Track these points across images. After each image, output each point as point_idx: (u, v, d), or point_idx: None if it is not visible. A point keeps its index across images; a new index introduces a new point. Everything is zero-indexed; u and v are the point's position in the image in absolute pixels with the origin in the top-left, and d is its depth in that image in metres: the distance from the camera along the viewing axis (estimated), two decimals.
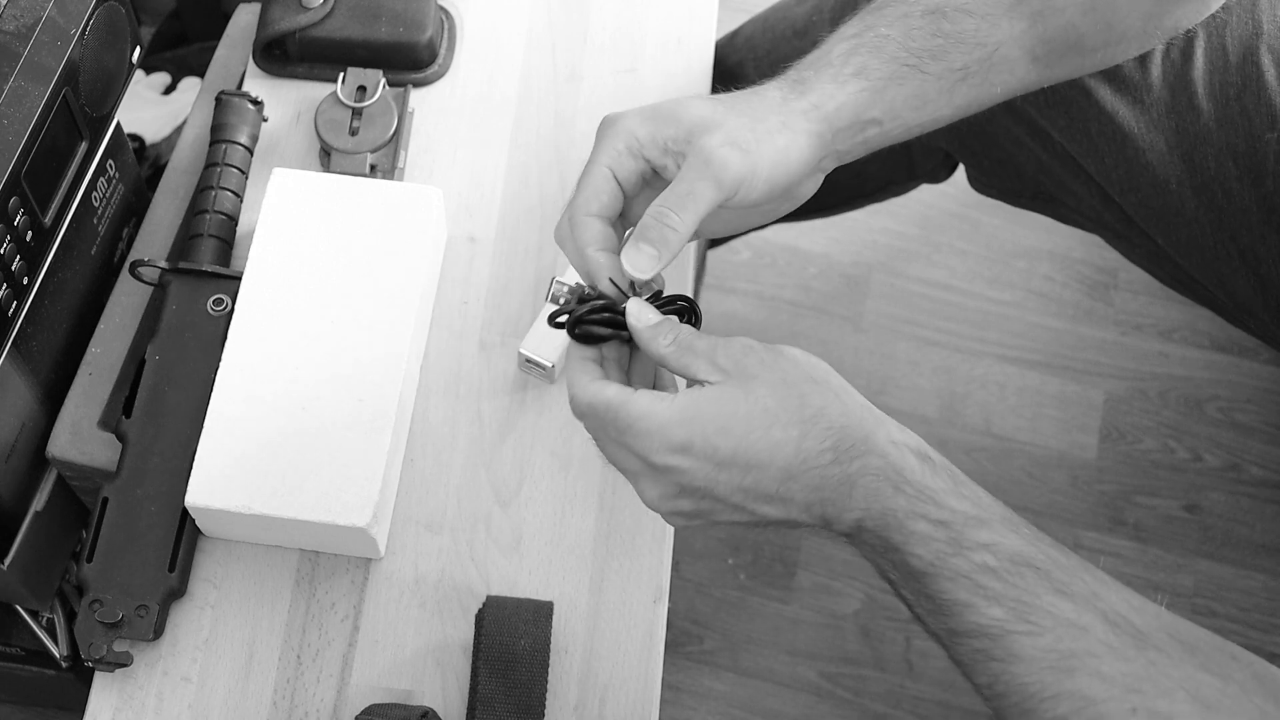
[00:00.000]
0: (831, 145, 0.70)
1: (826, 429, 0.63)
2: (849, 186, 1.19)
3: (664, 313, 0.68)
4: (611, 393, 0.65)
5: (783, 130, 0.68)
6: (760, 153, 0.67)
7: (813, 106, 0.69)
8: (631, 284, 0.68)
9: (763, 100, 0.70)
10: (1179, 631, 0.59)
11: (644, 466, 0.65)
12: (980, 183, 1.03)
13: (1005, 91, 0.75)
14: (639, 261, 0.66)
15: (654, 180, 0.70)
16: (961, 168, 1.06)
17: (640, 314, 0.66)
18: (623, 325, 0.67)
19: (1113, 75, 0.85)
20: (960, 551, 0.60)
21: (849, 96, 0.70)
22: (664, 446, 0.63)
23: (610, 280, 0.67)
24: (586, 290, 0.69)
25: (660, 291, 0.69)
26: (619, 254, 0.67)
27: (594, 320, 0.67)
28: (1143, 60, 0.85)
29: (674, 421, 0.63)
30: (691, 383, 0.66)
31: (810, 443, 0.62)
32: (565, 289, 0.70)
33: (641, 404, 0.64)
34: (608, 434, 0.66)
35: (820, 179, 0.73)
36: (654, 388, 0.70)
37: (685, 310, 0.69)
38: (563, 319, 0.68)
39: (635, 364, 0.70)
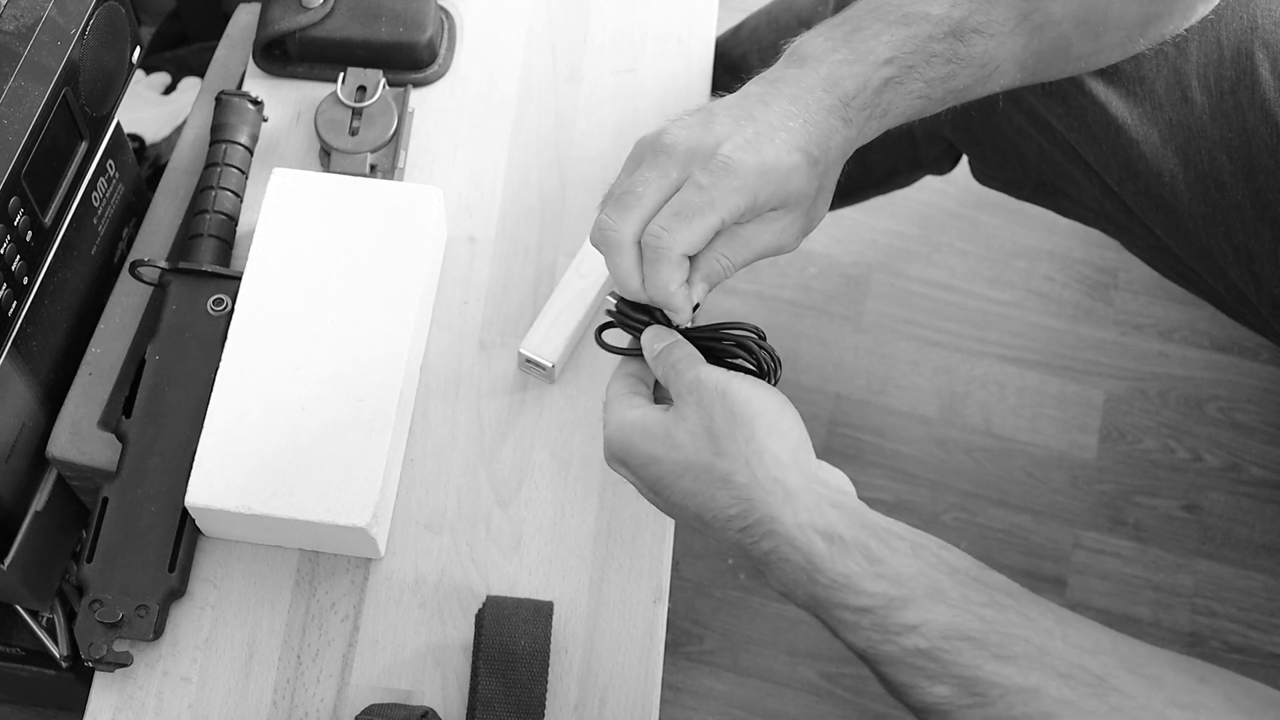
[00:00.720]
0: None
1: (733, 497, 0.63)
2: (854, 178, 1.18)
3: (730, 340, 0.68)
4: (614, 389, 0.69)
5: (831, 198, 0.72)
6: (812, 229, 0.72)
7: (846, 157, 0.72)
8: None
9: (827, 142, 0.69)
10: (1141, 665, 0.57)
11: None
12: (983, 174, 1.03)
13: (985, 95, 0.76)
14: (699, 296, 0.68)
15: None
16: (965, 158, 1.06)
17: (656, 336, 0.68)
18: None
19: (1105, 68, 0.85)
20: (889, 638, 0.59)
21: (868, 136, 0.72)
22: (609, 453, 0.68)
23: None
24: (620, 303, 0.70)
25: (760, 330, 0.69)
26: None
27: (630, 321, 0.70)
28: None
29: (617, 434, 0.67)
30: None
31: (718, 503, 0.63)
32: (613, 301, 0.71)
33: (615, 408, 0.67)
34: None
35: None
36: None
37: (752, 344, 0.68)
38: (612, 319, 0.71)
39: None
